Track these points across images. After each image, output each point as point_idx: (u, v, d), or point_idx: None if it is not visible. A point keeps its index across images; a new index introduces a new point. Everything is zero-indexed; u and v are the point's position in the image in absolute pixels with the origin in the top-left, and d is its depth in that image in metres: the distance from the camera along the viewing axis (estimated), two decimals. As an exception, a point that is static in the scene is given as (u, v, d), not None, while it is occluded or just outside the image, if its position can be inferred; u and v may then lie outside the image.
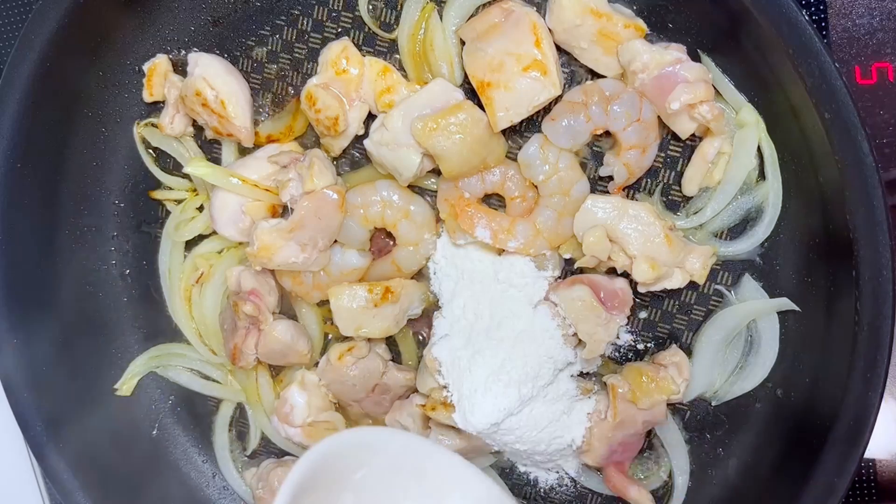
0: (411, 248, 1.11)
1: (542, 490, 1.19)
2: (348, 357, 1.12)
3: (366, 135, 1.09)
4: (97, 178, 1.21)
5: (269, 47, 1.15)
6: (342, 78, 1.09)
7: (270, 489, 1.17)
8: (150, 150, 1.21)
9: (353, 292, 1.08)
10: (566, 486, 1.18)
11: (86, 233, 1.22)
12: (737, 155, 1.03)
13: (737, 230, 1.08)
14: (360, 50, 1.11)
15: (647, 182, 1.08)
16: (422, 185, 1.12)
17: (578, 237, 1.04)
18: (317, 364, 1.17)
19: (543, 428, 1.08)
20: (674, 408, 1.13)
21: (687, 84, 0.99)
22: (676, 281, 1.03)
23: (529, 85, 0.99)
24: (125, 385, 1.23)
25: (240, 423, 1.26)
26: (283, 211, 1.15)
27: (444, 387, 1.08)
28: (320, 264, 1.10)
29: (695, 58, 1.02)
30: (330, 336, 1.20)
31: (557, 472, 1.18)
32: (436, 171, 1.08)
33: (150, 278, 1.25)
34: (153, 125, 1.20)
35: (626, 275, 1.05)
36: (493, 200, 1.12)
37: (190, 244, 1.22)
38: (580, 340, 1.06)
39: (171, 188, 1.22)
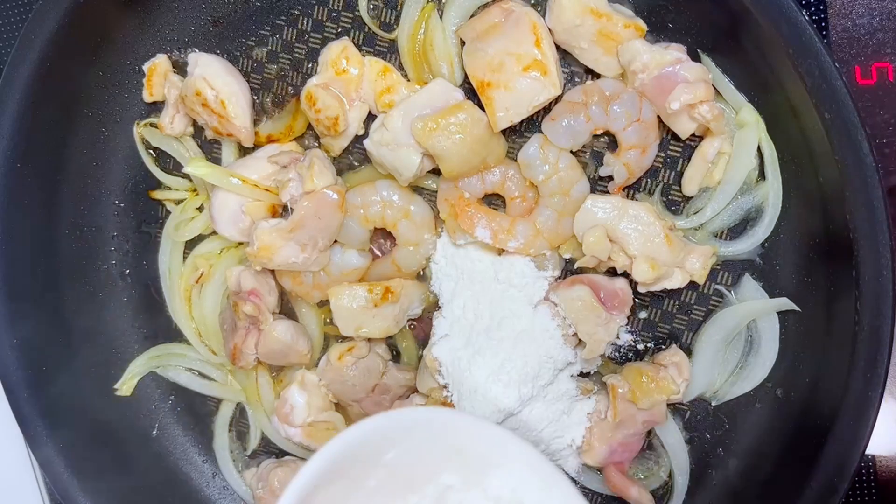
0: (411, 248, 1.12)
1: (542, 490, 1.19)
2: (348, 357, 1.12)
3: (366, 135, 1.09)
4: (97, 178, 1.21)
5: (269, 47, 1.15)
6: (342, 78, 1.09)
7: (270, 489, 1.17)
8: (150, 150, 1.21)
9: (353, 292, 1.08)
10: (566, 486, 1.18)
11: (86, 233, 1.22)
12: (737, 155, 1.03)
13: (737, 230, 1.08)
14: (360, 50, 1.11)
15: (647, 182, 1.08)
16: (422, 185, 1.12)
17: (578, 237, 1.04)
18: (317, 364, 1.18)
19: (543, 428, 1.08)
20: (674, 408, 1.13)
21: (687, 84, 0.99)
22: (676, 281, 1.03)
23: (529, 85, 0.99)
24: (125, 385, 1.23)
25: (240, 423, 1.26)
26: (283, 211, 1.15)
27: (444, 387, 1.08)
28: (320, 264, 1.10)
29: (695, 58, 1.02)
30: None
31: (557, 472, 1.18)
32: (436, 171, 1.08)
33: (150, 278, 1.25)
34: (153, 125, 1.20)
35: (626, 275, 1.05)
36: (493, 200, 1.12)
37: (190, 244, 1.22)
38: (580, 340, 1.06)
39: (171, 188, 1.22)
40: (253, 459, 1.26)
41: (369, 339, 1.13)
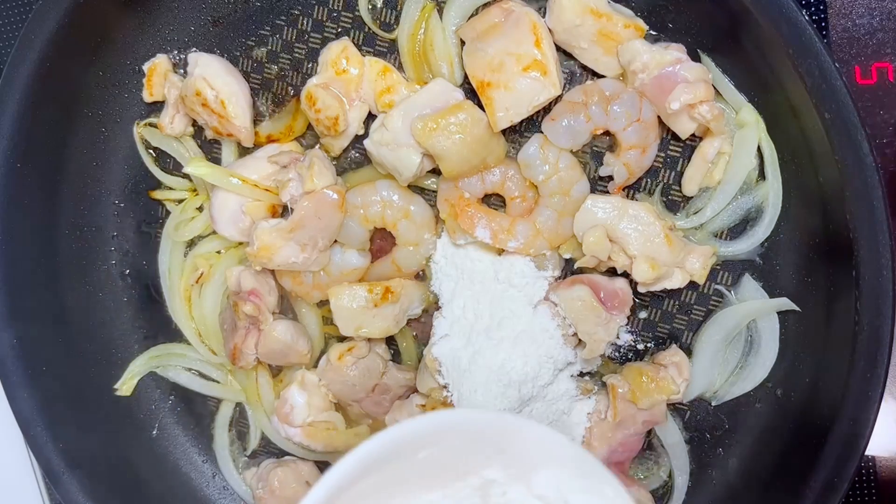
0: (411, 248, 1.12)
1: (542, 490, 1.19)
2: (348, 357, 1.12)
3: (366, 135, 1.09)
4: (97, 178, 1.21)
5: (269, 47, 1.15)
6: (342, 78, 1.09)
7: (270, 489, 1.17)
8: (150, 150, 1.21)
9: (353, 292, 1.08)
10: (566, 486, 1.18)
11: (86, 233, 1.22)
12: (737, 155, 1.03)
13: (737, 230, 1.08)
14: (360, 50, 1.11)
15: (647, 182, 1.08)
16: (422, 185, 1.12)
17: (578, 237, 1.04)
18: (317, 364, 1.18)
19: (543, 428, 1.08)
20: (674, 408, 1.13)
21: (687, 84, 0.99)
22: (676, 281, 1.03)
23: (529, 85, 0.99)
24: (125, 385, 1.23)
25: (240, 423, 1.26)
26: (283, 211, 1.15)
27: (444, 387, 1.08)
28: (320, 264, 1.10)
29: (695, 58, 1.02)
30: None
31: (557, 472, 1.18)
32: (436, 171, 1.08)
33: (150, 278, 1.24)
34: (153, 125, 1.19)
35: (626, 275, 1.05)
36: (493, 200, 1.12)
37: (190, 244, 1.22)
38: (580, 340, 1.06)
39: (171, 188, 1.22)
40: (253, 459, 1.26)
41: (369, 339, 1.13)
